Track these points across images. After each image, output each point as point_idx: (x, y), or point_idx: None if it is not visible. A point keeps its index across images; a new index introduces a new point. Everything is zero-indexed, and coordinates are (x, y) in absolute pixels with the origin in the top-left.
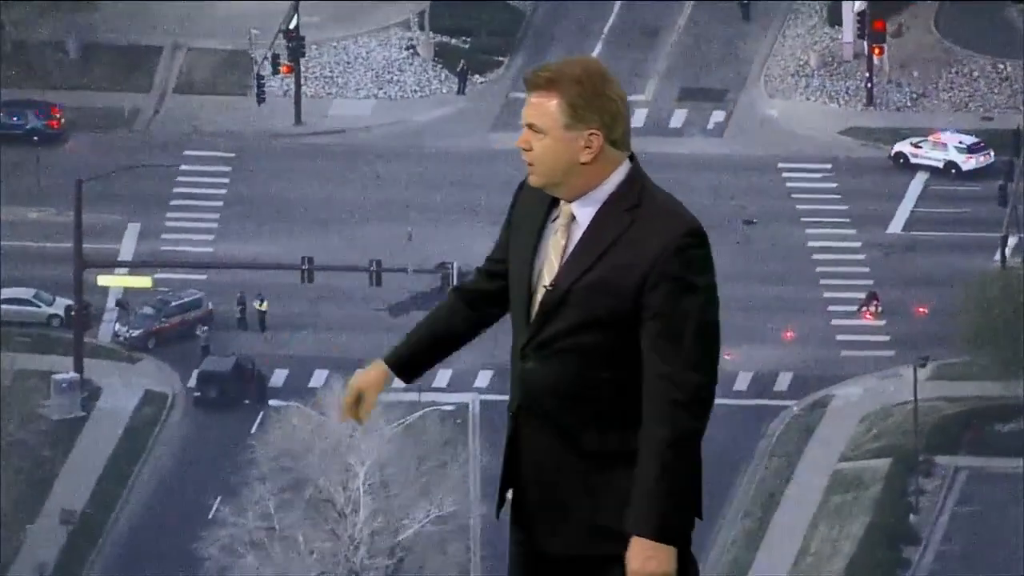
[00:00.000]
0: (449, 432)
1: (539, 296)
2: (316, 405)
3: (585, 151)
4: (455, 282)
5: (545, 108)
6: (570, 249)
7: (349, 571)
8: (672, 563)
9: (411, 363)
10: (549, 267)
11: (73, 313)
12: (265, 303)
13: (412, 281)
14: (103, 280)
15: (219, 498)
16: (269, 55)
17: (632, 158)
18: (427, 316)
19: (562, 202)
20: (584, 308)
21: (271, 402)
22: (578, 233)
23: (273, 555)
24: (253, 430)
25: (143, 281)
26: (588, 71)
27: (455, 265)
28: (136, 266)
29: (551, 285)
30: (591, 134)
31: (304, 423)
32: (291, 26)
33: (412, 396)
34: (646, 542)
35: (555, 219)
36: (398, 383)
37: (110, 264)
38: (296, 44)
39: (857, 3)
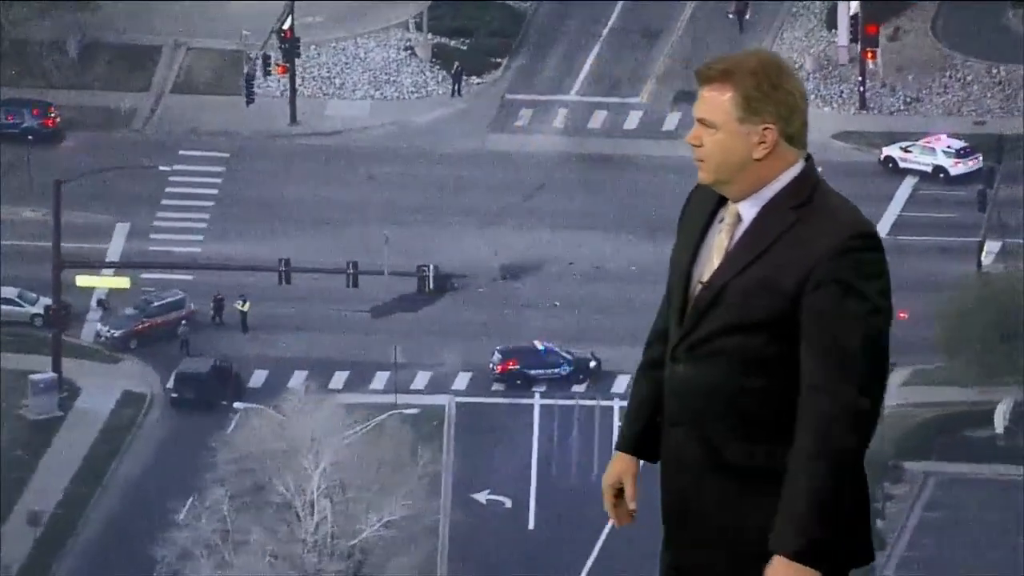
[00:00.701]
0: (422, 434)
1: (694, 296)
2: (279, 408)
3: (759, 147)
4: (431, 285)
5: (718, 102)
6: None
7: (302, 574)
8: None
9: (646, 438)
10: (708, 267)
11: (51, 313)
12: (247, 304)
13: (404, 283)
14: (81, 280)
15: (189, 500)
16: (260, 56)
17: (808, 158)
18: (633, 395)
19: (729, 202)
20: (739, 308)
21: (236, 404)
22: (741, 232)
23: (228, 558)
24: (230, 431)
25: (121, 282)
26: (764, 63)
27: (431, 267)
28: (112, 266)
29: (706, 283)
30: (765, 128)
31: (265, 426)
32: (285, 27)
33: (389, 398)
34: (788, 562)
35: (721, 219)
36: None
37: (88, 264)
38: (291, 45)
39: (852, 7)
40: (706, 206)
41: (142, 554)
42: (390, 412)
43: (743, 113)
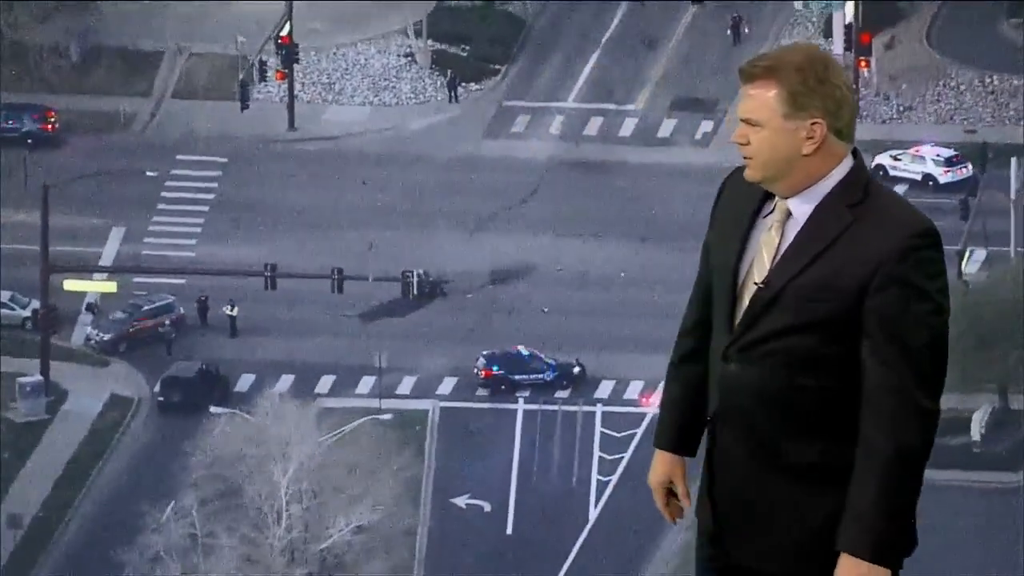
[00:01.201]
0: (405, 438)
1: (746, 296)
2: (253, 413)
3: (808, 142)
4: (415, 291)
5: (763, 99)
6: (784, 247)
7: None
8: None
9: (686, 434)
10: (759, 265)
11: (39, 316)
12: (235, 308)
13: (394, 288)
14: (69, 285)
15: (167, 504)
16: (256, 62)
17: (855, 153)
18: (667, 391)
19: (777, 198)
20: (797, 309)
21: (212, 408)
22: (794, 230)
23: (196, 562)
24: (202, 437)
25: (108, 286)
26: (809, 57)
27: (415, 273)
28: (98, 271)
29: (763, 284)
30: (814, 123)
31: (238, 431)
32: (283, 33)
33: (373, 403)
34: (859, 562)
35: (767, 215)
36: None
37: (75, 268)
38: (289, 51)
39: (848, 15)
40: (749, 200)
41: (116, 559)
42: (363, 418)
43: (789, 109)
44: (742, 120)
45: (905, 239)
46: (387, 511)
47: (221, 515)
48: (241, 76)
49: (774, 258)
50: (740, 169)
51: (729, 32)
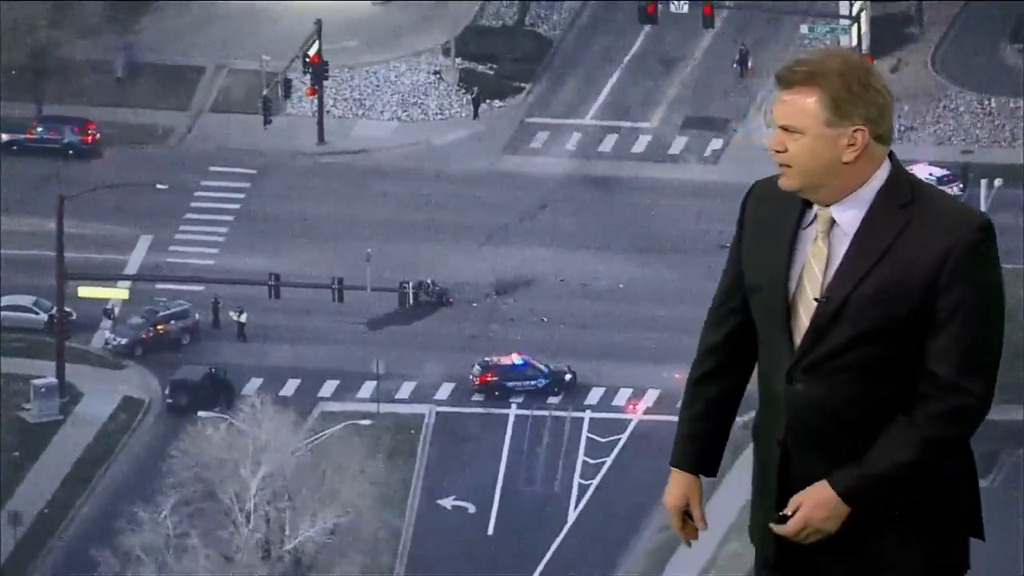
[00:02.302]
0: (399, 442)
1: (803, 311)
2: (239, 417)
3: (849, 149)
4: (411, 300)
5: (802, 105)
6: (837, 257)
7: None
8: (835, 525)
9: (706, 455)
10: (811, 279)
11: (56, 321)
12: (244, 314)
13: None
14: (83, 291)
15: (148, 504)
16: (281, 79)
17: (890, 154)
18: (686, 409)
19: (817, 207)
20: (864, 319)
21: (200, 413)
22: (843, 239)
23: (168, 562)
24: (186, 439)
25: (121, 293)
26: (850, 63)
27: (411, 283)
28: (111, 279)
29: (823, 297)
30: (856, 130)
31: (219, 434)
32: (312, 51)
33: (371, 407)
34: (828, 492)
35: (807, 226)
36: None
37: (90, 276)
38: (318, 68)
39: (853, 38)
40: (785, 212)
41: (95, 557)
42: (345, 423)
43: (832, 116)
44: (780, 127)
45: (968, 235)
46: (373, 512)
47: (200, 517)
48: (264, 92)
49: (826, 270)
50: (764, 181)
51: (736, 64)
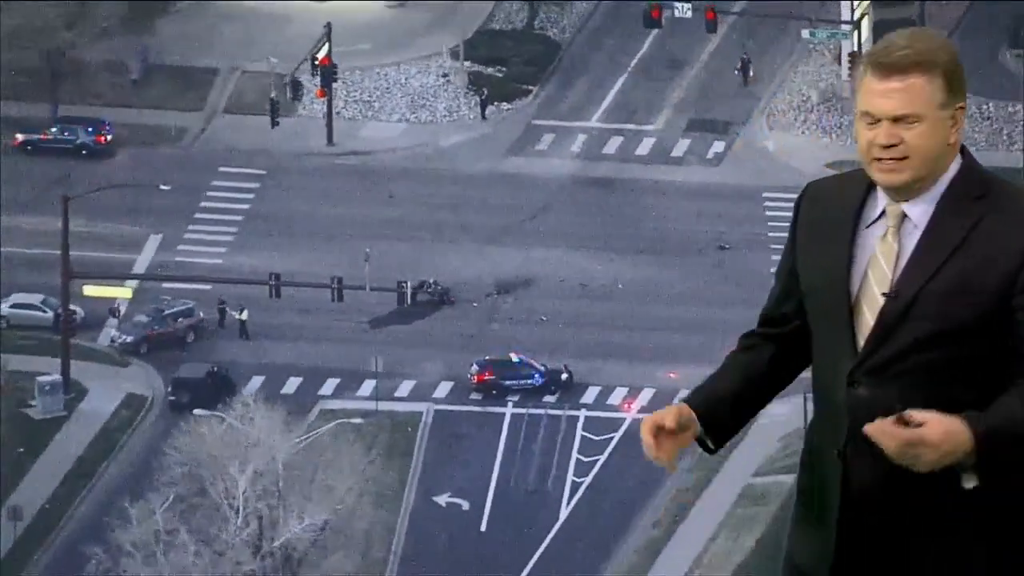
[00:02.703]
0: (396, 439)
1: (867, 310)
2: (232, 415)
3: (953, 130)
4: (409, 300)
5: (919, 90)
6: (907, 253)
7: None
8: (935, 466)
9: (713, 403)
10: (879, 276)
11: (61, 320)
12: (245, 312)
13: (403, 297)
14: (88, 290)
15: (139, 501)
16: (289, 81)
17: (962, 147)
18: (723, 368)
19: (886, 204)
20: (936, 317)
21: (195, 411)
22: (914, 234)
23: (158, 557)
24: (179, 436)
25: (124, 292)
26: (943, 39)
27: (408, 283)
28: (114, 277)
29: (892, 293)
30: (959, 108)
31: (212, 432)
32: (321, 55)
33: (370, 405)
34: (962, 425)
35: (871, 223)
36: None
37: (94, 274)
38: (327, 71)
39: (855, 44)
40: (843, 211)
41: (92, 552)
42: (335, 422)
43: (945, 97)
44: (893, 119)
45: None
46: (368, 508)
47: (192, 513)
48: (272, 95)
49: (895, 267)
50: (817, 183)
51: (737, 72)
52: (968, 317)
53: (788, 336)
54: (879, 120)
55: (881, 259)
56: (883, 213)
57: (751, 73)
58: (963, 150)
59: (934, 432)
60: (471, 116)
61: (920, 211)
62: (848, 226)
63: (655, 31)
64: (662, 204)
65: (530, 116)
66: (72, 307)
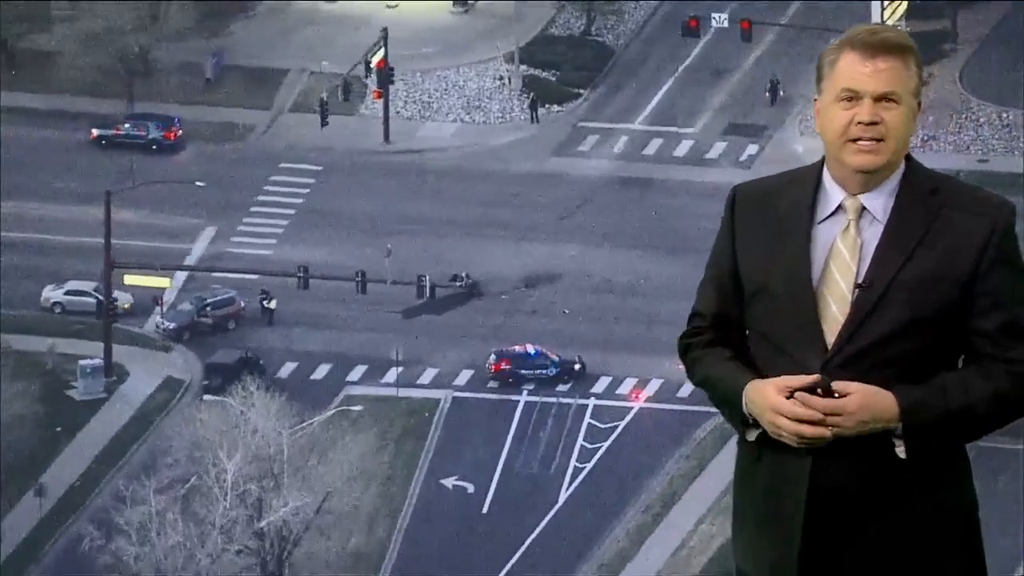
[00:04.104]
0: (413, 424)
1: (834, 304)
2: (239, 400)
3: (915, 123)
4: (428, 293)
5: (901, 72)
6: (870, 245)
7: (209, 555)
8: (867, 430)
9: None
10: (842, 268)
11: (104, 306)
12: (274, 302)
13: (438, 288)
14: (129, 279)
15: (153, 481)
16: (342, 83)
17: None
18: (709, 362)
19: (843, 199)
20: (908, 306)
21: (204, 396)
22: (875, 226)
23: (147, 537)
24: (182, 421)
25: (162, 281)
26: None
27: (428, 277)
28: (153, 267)
29: (866, 283)
30: (919, 102)
31: (213, 417)
32: (375, 58)
33: (388, 392)
34: (890, 398)
35: (825, 219)
36: None
37: (136, 265)
38: (383, 73)
39: None
40: (793, 208)
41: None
42: (337, 408)
43: (916, 84)
44: (881, 96)
45: (1003, 218)
46: (377, 490)
47: (190, 495)
48: (323, 96)
49: (859, 258)
50: (748, 184)
51: (767, 93)
52: (937, 305)
53: (736, 340)
54: (859, 99)
55: (844, 251)
56: (839, 208)
57: (780, 93)
58: None
59: (852, 402)
60: (522, 118)
61: (879, 204)
62: (802, 222)
63: (704, 39)
64: (692, 204)
65: (578, 118)
66: (125, 294)
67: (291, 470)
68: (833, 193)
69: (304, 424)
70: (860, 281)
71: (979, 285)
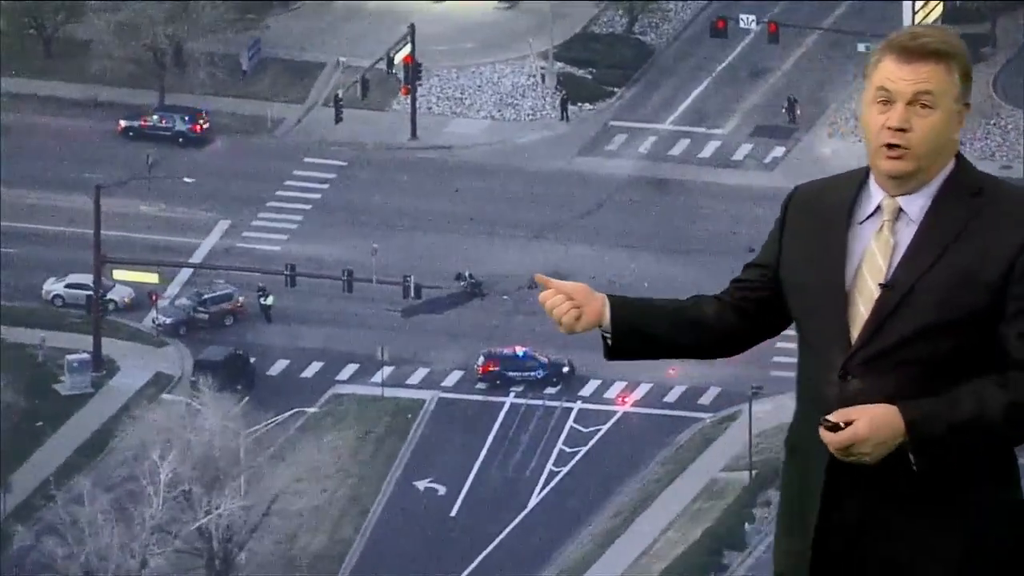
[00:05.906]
0: (395, 424)
1: (861, 302)
2: (194, 399)
3: (957, 126)
4: (413, 293)
5: (941, 78)
6: (902, 246)
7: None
8: (880, 454)
9: (630, 325)
10: (873, 269)
11: (93, 301)
12: (271, 298)
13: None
14: (117, 274)
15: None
16: (360, 79)
17: None
18: (672, 301)
19: (883, 199)
20: (933, 308)
21: (163, 395)
22: (909, 228)
23: (76, 536)
24: (134, 420)
25: (151, 277)
26: (959, 38)
27: (412, 277)
28: (144, 263)
29: (889, 284)
30: (966, 105)
31: (162, 416)
32: (399, 54)
33: (376, 391)
34: (893, 414)
35: (865, 219)
36: None
37: (124, 260)
38: (411, 69)
39: None
40: (836, 209)
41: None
42: (293, 411)
43: (959, 91)
44: (914, 99)
45: None
46: (348, 491)
47: (134, 494)
48: (339, 92)
49: (890, 259)
50: (808, 185)
51: (784, 111)
52: (964, 308)
53: (748, 308)
54: (893, 102)
55: (876, 252)
56: (878, 208)
57: (798, 112)
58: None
59: (861, 427)
60: (553, 116)
61: (917, 206)
62: (841, 222)
63: (745, 40)
64: (710, 205)
65: (608, 117)
66: (126, 289)
67: (247, 471)
68: (875, 194)
69: (262, 425)
70: (882, 281)
71: (1012, 289)
